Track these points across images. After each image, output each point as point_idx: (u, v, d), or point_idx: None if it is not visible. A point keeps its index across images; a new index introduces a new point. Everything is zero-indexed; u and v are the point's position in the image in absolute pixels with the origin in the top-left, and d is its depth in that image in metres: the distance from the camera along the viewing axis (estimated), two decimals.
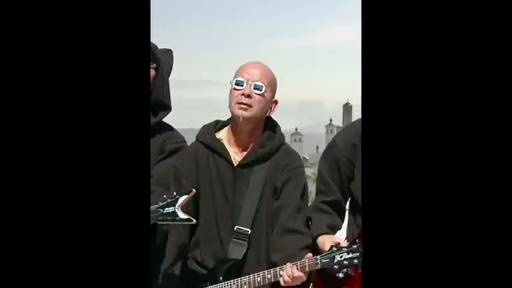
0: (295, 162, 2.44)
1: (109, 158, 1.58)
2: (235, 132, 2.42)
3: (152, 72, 2.54)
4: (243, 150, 2.42)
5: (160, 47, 2.60)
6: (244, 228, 2.34)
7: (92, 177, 1.56)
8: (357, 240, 2.14)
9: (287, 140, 2.61)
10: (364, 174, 1.63)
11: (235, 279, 2.28)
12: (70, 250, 1.54)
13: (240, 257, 2.33)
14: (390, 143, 1.55)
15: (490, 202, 1.49)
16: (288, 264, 2.19)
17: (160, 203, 2.18)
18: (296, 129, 74.68)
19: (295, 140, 68.29)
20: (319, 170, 2.53)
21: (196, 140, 2.48)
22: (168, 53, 2.63)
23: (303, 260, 2.19)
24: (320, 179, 2.50)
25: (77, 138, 1.56)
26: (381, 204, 1.55)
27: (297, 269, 2.18)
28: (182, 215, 2.16)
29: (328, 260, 2.14)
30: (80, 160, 1.56)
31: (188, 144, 2.57)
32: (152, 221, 2.21)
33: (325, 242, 2.28)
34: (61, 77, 1.56)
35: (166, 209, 2.17)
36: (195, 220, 2.20)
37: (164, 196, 2.19)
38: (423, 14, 1.56)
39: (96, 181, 1.56)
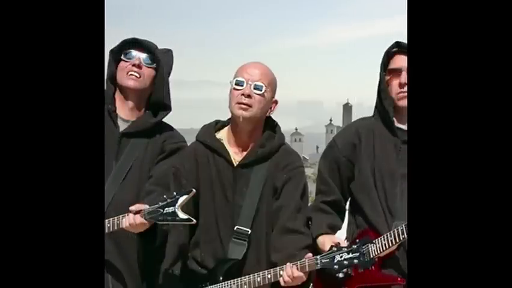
0: (295, 162, 2.44)
1: (61, 160, 1.55)
2: (235, 132, 2.42)
3: (152, 72, 2.54)
4: (243, 150, 2.42)
5: (160, 47, 2.60)
6: (244, 228, 2.34)
7: (45, 180, 1.53)
8: (357, 240, 2.14)
9: (287, 140, 2.61)
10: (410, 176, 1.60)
11: (235, 279, 2.28)
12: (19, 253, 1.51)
13: (240, 257, 2.33)
14: (436, 141, 1.53)
15: None
16: (288, 264, 2.19)
17: (160, 203, 2.18)
18: (296, 129, 74.70)
19: (295, 140, 68.31)
20: (319, 170, 2.54)
21: (196, 140, 2.48)
22: (168, 53, 2.63)
23: (303, 260, 2.19)
24: (320, 179, 2.50)
25: (32, 140, 1.53)
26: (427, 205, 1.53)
27: (297, 269, 2.17)
28: (182, 215, 2.16)
29: (328, 260, 2.14)
30: (31, 161, 1.53)
31: (189, 144, 2.57)
32: (152, 221, 2.22)
33: (325, 242, 2.28)
34: (14, 76, 1.54)
35: (166, 209, 2.17)
36: (195, 220, 2.20)
37: (164, 196, 2.19)
38: (469, 9, 1.54)
39: (50, 184, 1.53)
